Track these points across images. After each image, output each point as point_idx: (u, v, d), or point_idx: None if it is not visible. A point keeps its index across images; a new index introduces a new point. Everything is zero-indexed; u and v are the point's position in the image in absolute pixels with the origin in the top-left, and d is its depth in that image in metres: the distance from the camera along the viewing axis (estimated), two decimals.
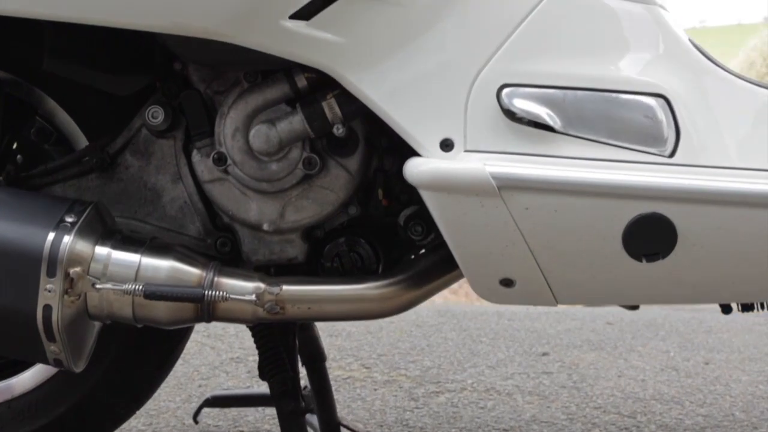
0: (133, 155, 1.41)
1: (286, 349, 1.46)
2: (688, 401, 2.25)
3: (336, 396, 1.74)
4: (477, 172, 1.16)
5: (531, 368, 2.56)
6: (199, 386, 2.39)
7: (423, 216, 1.34)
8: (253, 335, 1.45)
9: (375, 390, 2.35)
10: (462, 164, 1.18)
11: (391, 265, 1.41)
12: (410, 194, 1.38)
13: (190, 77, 1.37)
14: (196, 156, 1.36)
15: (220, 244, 1.39)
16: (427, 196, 1.20)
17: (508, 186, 1.17)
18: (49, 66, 1.39)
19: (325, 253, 1.38)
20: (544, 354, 2.73)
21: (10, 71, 1.46)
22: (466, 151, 1.20)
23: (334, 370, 2.47)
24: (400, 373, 2.52)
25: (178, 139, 1.38)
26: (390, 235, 1.40)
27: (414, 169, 1.20)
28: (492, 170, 1.16)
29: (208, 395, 1.90)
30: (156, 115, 1.36)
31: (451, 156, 1.20)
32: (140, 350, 1.53)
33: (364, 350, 2.76)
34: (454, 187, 1.18)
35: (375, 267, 1.38)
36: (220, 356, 2.69)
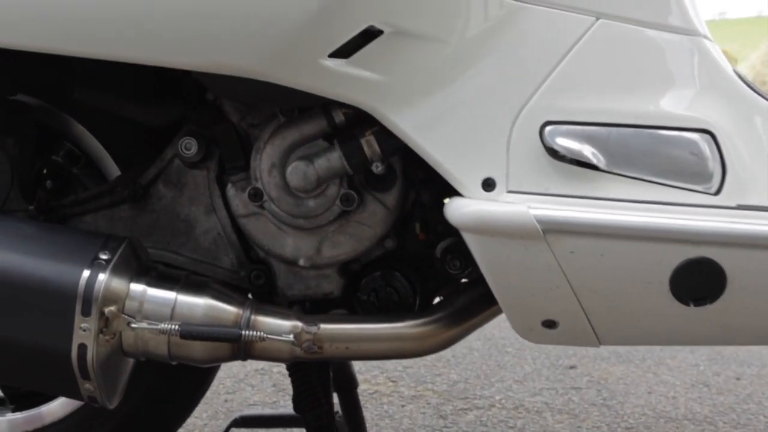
0: (166, 186, 1.39)
1: (321, 380, 1.45)
2: (721, 421, 2.22)
3: (363, 413, 1.71)
4: (521, 215, 1.14)
5: (559, 383, 2.53)
6: (225, 401, 2.38)
7: (460, 250, 1.32)
8: (287, 368, 1.44)
9: (402, 406, 2.33)
10: (506, 207, 1.15)
11: (427, 297, 1.39)
12: (446, 226, 1.35)
13: (222, 108, 1.35)
14: (230, 190, 1.34)
15: (254, 277, 1.37)
16: (469, 238, 1.18)
17: (553, 230, 1.14)
18: (80, 96, 1.37)
19: (361, 287, 1.36)
20: (572, 367, 2.70)
21: (41, 98, 1.45)
22: (508, 191, 1.18)
23: (360, 384, 2.45)
24: (426, 387, 2.50)
25: (212, 170, 1.37)
26: (426, 267, 1.39)
27: (456, 211, 1.18)
28: (536, 213, 1.14)
29: (236, 415, 1.88)
30: (189, 146, 1.34)
31: (494, 196, 1.18)
32: (172, 381, 1.51)
33: (389, 362, 2.73)
34: (497, 230, 1.15)
35: (412, 300, 1.36)
36: (244, 367, 2.67)
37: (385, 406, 2.33)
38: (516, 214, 1.14)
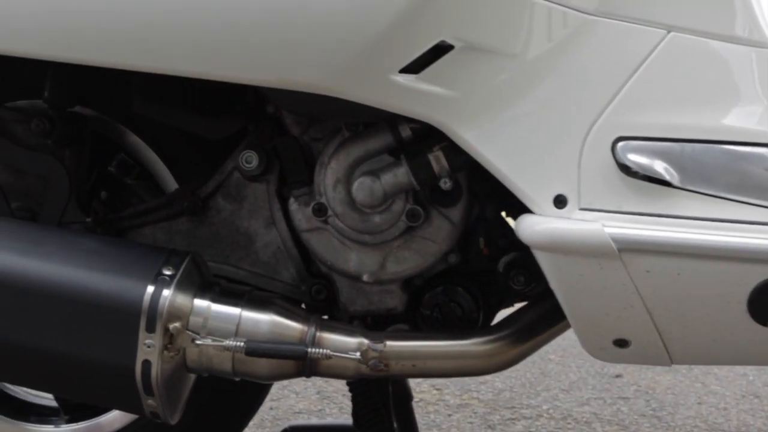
0: (225, 199, 1.39)
1: (381, 395, 1.43)
2: None
3: None
4: (596, 234, 1.12)
5: (606, 392, 2.51)
6: (271, 409, 2.37)
7: (524, 265, 1.30)
8: (348, 382, 1.42)
9: (449, 416, 2.31)
10: (580, 225, 1.13)
11: (489, 312, 1.38)
12: (507, 241, 1.34)
13: (283, 121, 1.34)
14: (293, 204, 1.33)
15: (315, 292, 1.36)
16: (541, 256, 1.16)
17: (629, 248, 1.12)
18: (139, 109, 1.37)
19: (423, 303, 1.35)
20: (617, 376, 2.67)
21: (98, 110, 1.45)
22: (581, 209, 1.16)
23: None
24: (472, 396, 2.48)
25: (272, 183, 1.36)
26: (486, 282, 1.37)
27: (528, 228, 1.16)
28: (612, 232, 1.12)
29: (286, 425, 1.87)
30: (250, 159, 1.33)
31: (565, 214, 1.16)
32: (230, 394, 1.50)
33: None
34: (571, 249, 1.13)
35: (475, 316, 1.35)
36: None
37: (432, 416, 2.31)
38: (591, 233, 1.12)
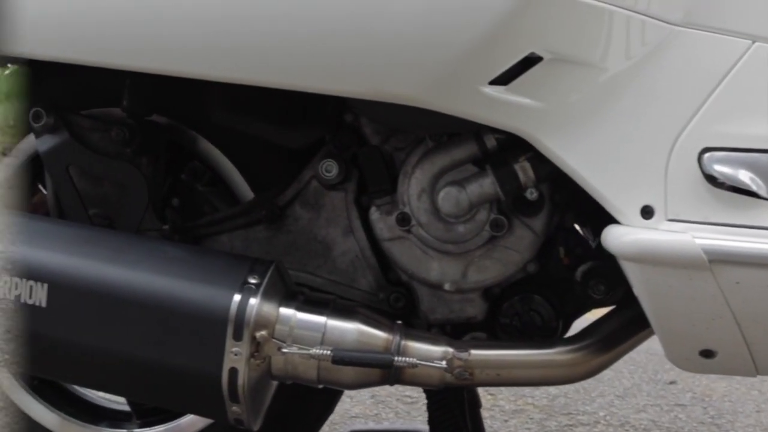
0: (303, 207, 1.40)
1: (457, 402, 1.44)
2: None
3: None
4: (687, 245, 1.12)
5: (662, 399, 2.50)
6: None
7: (604, 274, 1.31)
8: (425, 391, 1.43)
9: (505, 421, 2.31)
10: (670, 236, 1.13)
11: (567, 320, 1.38)
12: (584, 249, 1.34)
13: (362, 130, 1.35)
14: (374, 213, 1.34)
15: (394, 300, 1.37)
16: (628, 266, 1.17)
17: (719, 260, 1.12)
18: (218, 119, 1.38)
19: (503, 311, 1.35)
20: (672, 383, 2.66)
21: (175, 118, 1.46)
22: (668, 219, 1.16)
23: None
24: (527, 401, 2.48)
25: (350, 191, 1.37)
26: (563, 290, 1.37)
27: (617, 239, 1.16)
28: (702, 243, 1.12)
29: (348, 430, 1.88)
30: (330, 168, 1.34)
31: (653, 224, 1.16)
32: (304, 401, 1.52)
33: None
34: (661, 260, 1.14)
35: (554, 325, 1.35)
36: None
37: (488, 421, 2.31)
38: (682, 244, 1.13)
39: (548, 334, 1.34)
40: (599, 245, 1.27)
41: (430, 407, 1.43)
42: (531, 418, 2.33)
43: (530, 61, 1.15)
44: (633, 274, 1.17)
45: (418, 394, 2.35)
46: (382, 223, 1.33)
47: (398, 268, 1.35)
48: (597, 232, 1.32)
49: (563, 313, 1.37)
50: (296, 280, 1.39)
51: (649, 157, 1.18)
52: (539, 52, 1.14)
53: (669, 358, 1.23)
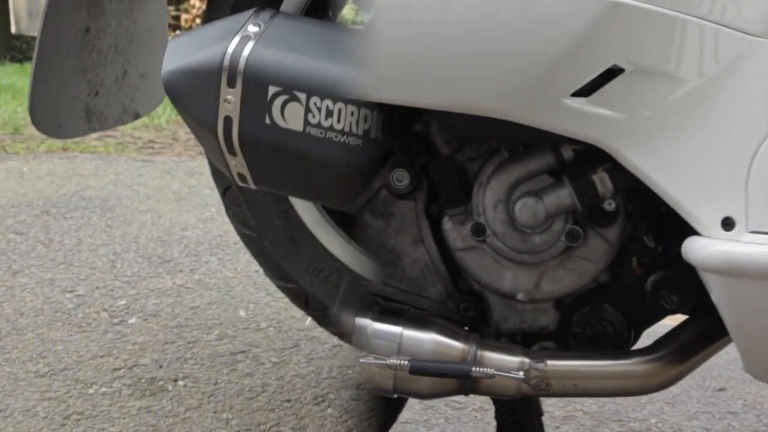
0: (373, 216, 1.40)
1: (527, 411, 1.44)
2: None
3: None
4: None
5: (713, 406, 2.48)
6: None
7: (676, 284, 1.30)
8: (494, 401, 1.43)
9: (557, 428, 2.31)
10: (756, 249, 1.13)
11: (637, 330, 1.38)
12: (654, 259, 1.34)
13: (432, 139, 1.35)
14: (447, 223, 1.34)
15: (464, 309, 1.37)
16: (710, 279, 1.16)
17: None
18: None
19: (574, 321, 1.35)
20: (721, 389, 2.65)
21: None
22: (750, 231, 1.16)
23: None
24: (576, 408, 2.47)
25: (420, 200, 1.37)
26: (633, 300, 1.37)
27: (698, 251, 1.16)
28: None
29: None
30: (401, 178, 1.34)
31: (734, 236, 1.16)
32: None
33: None
34: (745, 272, 1.13)
35: (626, 335, 1.35)
36: None
37: None
38: (764, 256, 1.12)
39: (620, 344, 1.34)
40: (669, 255, 1.27)
41: (499, 416, 1.43)
42: (582, 425, 2.32)
43: (612, 73, 1.15)
44: (714, 286, 1.16)
45: (466, 400, 2.35)
46: (455, 232, 1.33)
47: (470, 277, 1.35)
48: (662, 242, 1.32)
49: (634, 322, 1.36)
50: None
51: (730, 169, 1.18)
52: (621, 64, 1.14)
53: (747, 370, 1.23)
